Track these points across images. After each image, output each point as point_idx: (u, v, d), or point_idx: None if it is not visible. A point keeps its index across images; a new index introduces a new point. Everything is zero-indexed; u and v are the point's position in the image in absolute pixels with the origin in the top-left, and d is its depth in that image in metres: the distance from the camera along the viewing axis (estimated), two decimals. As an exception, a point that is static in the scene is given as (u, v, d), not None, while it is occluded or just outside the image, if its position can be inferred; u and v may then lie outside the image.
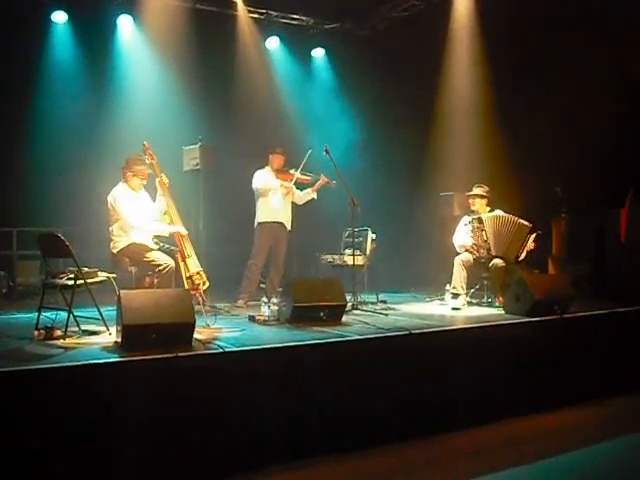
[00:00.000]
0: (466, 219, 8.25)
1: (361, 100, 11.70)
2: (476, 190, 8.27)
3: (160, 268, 6.56)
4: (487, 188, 8.27)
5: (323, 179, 8.44)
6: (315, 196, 8.62)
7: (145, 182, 7.00)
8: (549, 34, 9.03)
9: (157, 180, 7.07)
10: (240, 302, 8.09)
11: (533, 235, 7.98)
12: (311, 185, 8.54)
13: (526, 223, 7.95)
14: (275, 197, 8.36)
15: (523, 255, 7.95)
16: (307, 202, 8.69)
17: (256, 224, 8.41)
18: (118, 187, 6.85)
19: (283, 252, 8.47)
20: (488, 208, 8.24)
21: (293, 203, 8.62)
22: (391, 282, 9.96)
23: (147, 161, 7.03)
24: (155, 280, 6.61)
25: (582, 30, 8.57)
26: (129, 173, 6.87)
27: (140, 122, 9.46)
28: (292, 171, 8.44)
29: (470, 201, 8.29)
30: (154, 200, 7.12)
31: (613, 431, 5.78)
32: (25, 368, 4.41)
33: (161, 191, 7.08)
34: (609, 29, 8.38)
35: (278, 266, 8.45)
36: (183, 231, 7.00)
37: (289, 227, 8.53)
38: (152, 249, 6.77)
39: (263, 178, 8.36)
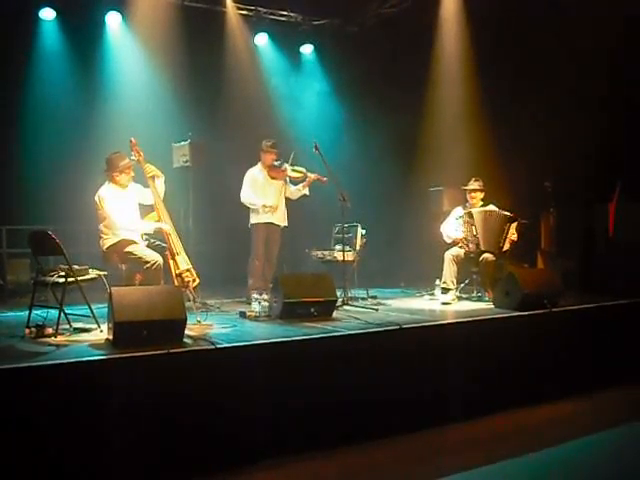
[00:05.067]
0: (458, 212, 8.30)
1: (350, 96, 11.70)
2: (475, 184, 8.31)
3: (148, 265, 6.55)
4: (482, 182, 8.33)
5: (313, 176, 8.39)
6: (307, 192, 8.57)
7: (133, 174, 7.00)
8: (537, 30, 9.06)
9: (146, 175, 7.08)
10: (265, 296, 7.82)
11: (514, 224, 8.03)
12: (302, 181, 8.49)
13: (506, 213, 8.01)
14: (267, 197, 8.33)
15: (507, 245, 8.00)
16: (300, 197, 8.66)
17: (250, 224, 8.37)
18: (104, 187, 6.85)
19: (277, 249, 8.45)
20: (481, 202, 8.29)
21: (287, 198, 8.61)
22: (381, 277, 10.01)
23: (133, 157, 7.04)
24: (144, 276, 6.61)
25: (572, 26, 8.60)
26: (115, 173, 6.86)
27: (129, 119, 9.43)
28: (284, 166, 8.38)
29: (473, 194, 8.32)
30: (146, 187, 7.16)
31: (604, 423, 5.83)
32: (16, 366, 4.41)
33: (150, 184, 7.10)
34: (600, 25, 8.41)
35: (271, 262, 8.41)
36: (165, 227, 7.01)
37: (284, 224, 8.50)
38: (139, 245, 6.78)
39: (250, 191, 8.30)
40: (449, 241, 8.21)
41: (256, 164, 8.52)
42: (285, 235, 8.55)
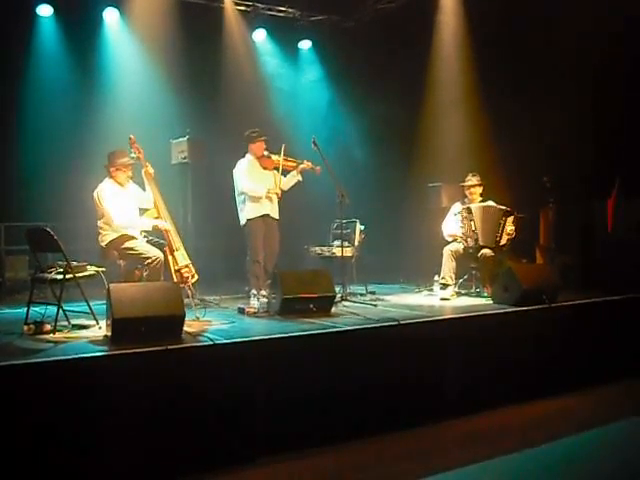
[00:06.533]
0: (456, 208, 8.29)
1: (348, 92, 11.70)
2: (473, 179, 8.31)
3: (149, 261, 6.55)
4: (479, 176, 8.33)
5: (307, 163, 8.14)
6: (300, 178, 8.23)
7: (130, 174, 6.98)
8: (537, 26, 9.06)
9: (143, 171, 7.07)
10: (263, 292, 7.64)
11: (511, 218, 8.02)
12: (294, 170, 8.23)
13: (502, 207, 8.04)
14: (266, 185, 8.18)
15: (504, 240, 7.99)
16: (293, 186, 8.29)
17: (245, 221, 7.99)
18: (103, 183, 6.83)
19: (277, 243, 8.14)
20: (480, 198, 8.28)
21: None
22: (380, 273, 9.99)
23: (133, 154, 7.02)
24: (144, 273, 6.60)
25: (567, 21, 8.60)
26: (112, 168, 6.85)
27: (128, 116, 9.41)
28: (275, 157, 8.09)
29: (472, 190, 8.31)
30: (144, 190, 7.14)
31: (603, 418, 5.82)
32: (15, 363, 4.41)
33: (147, 182, 7.08)
34: (599, 23, 8.40)
35: (273, 259, 8.12)
36: (163, 226, 6.98)
37: (277, 217, 8.22)
38: (140, 241, 6.77)
39: (250, 181, 7.95)
40: (450, 240, 8.20)
41: (243, 156, 8.18)
42: (283, 231, 8.42)
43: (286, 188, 8.26)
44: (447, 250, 8.05)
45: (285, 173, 8.24)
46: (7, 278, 9.04)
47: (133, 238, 6.73)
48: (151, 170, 7.11)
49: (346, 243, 8.51)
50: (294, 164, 8.21)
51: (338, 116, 11.87)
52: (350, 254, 8.69)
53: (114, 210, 6.70)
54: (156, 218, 7.06)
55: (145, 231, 6.97)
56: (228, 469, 4.73)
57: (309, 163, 8.18)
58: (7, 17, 9.23)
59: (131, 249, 6.65)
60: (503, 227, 7.97)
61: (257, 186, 7.97)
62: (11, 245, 9.27)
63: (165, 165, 8.42)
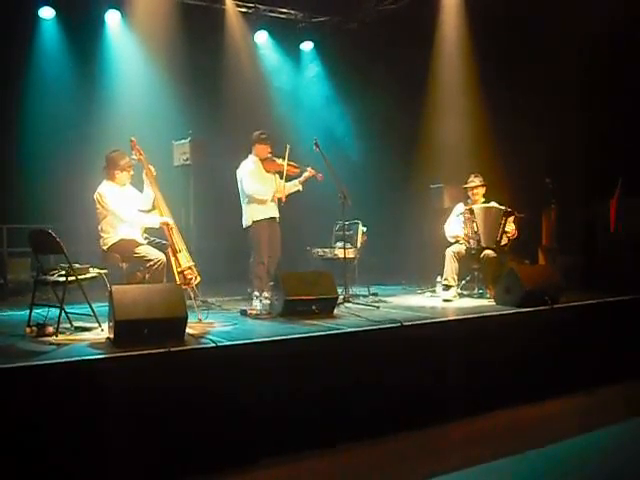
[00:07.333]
0: (459, 209, 8.28)
1: (350, 93, 11.70)
2: (475, 180, 8.29)
3: (151, 263, 6.52)
4: (481, 177, 8.32)
5: (310, 171, 8.08)
6: (301, 188, 8.19)
7: (132, 172, 6.97)
8: (538, 26, 9.05)
9: (144, 172, 7.05)
10: (265, 294, 7.54)
11: (511, 218, 8.01)
12: (297, 177, 8.15)
13: (502, 207, 8.03)
14: (269, 190, 8.15)
15: (504, 240, 7.98)
16: (292, 194, 8.18)
17: (251, 222, 7.93)
18: (102, 185, 6.80)
19: (279, 244, 8.10)
20: (483, 199, 8.27)
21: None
22: (382, 275, 9.99)
23: (135, 156, 7.01)
24: (146, 275, 6.59)
25: (569, 21, 8.60)
26: (116, 171, 6.82)
27: (129, 118, 9.43)
28: (279, 161, 8.01)
29: (474, 191, 8.29)
30: (141, 192, 7.11)
31: (603, 419, 5.81)
32: (17, 365, 4.41)
33: (149, 183, 7.07)
34: (600, 22, 8.40)
35: (275, 259, 8.06)
36: (171, 221, 6.97)
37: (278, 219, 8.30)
38: (142, 244, 6.75)
39: (257, 183, 7.92)
40: (453, 241, 8.20)
41: (246, 157, 8.15)
42: (285, 233, 8.40)
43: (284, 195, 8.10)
44: (449, 251, 8.04)
45: (288, 178, 8.10)
46: (9, 280, 9.06)
47: (134, 240, 6.71)
48: (154, 171, 7.10)
49: (348, 244, 8.51)
50: (297, 170, 8.12)
51: (340, 117, 11.87)
52: (352, 255, 8.69)
53: (121, 208, 6.69)
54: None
55: (148, 231, 6.96)
56: (230, 470, 4.72)
57: (312, 170, 8.09)
58: (9, 19, 9.25)
59: (134, 252, 6.63)
60: (503, 227, 7.96)
61: (263, 188, 7.93)
62: (13, 247, 9.29)
63: (167, 167, 8.41)
